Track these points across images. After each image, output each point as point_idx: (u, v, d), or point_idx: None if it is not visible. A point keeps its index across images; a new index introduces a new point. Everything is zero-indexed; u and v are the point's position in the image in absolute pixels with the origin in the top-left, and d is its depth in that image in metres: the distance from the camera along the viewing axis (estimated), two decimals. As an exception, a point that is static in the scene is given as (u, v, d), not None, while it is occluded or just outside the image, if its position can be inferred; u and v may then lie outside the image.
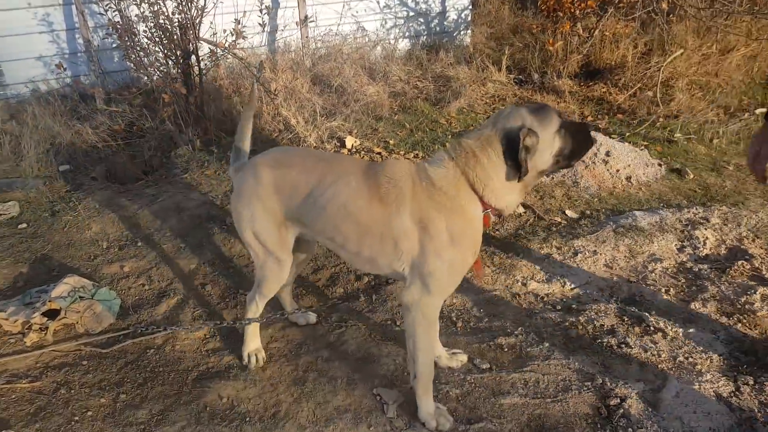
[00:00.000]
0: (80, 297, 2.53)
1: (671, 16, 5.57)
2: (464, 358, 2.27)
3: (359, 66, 5.28)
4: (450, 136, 4.39)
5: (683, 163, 3.89)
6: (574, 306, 2.57)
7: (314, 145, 4.10)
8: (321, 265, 2.95)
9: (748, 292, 2.59)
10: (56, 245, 3.15)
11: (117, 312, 2.61)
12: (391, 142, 4.29)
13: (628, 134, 4.31)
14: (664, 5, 5.03)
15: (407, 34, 6.13)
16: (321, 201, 1.92)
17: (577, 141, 1.82)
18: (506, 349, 2.31)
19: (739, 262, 2.81)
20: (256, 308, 2.24)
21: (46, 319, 2.44)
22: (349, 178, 1.91)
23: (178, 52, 4.31)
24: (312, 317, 2.53)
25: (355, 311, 2.60)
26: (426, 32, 6.19)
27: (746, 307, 2.50)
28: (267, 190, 2.01)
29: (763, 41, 5.25)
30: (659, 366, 2.20)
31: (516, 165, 1.73)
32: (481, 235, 1.88)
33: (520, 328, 2.43)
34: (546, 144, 1.77)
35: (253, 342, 2.30)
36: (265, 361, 2.30)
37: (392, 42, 5.98)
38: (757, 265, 2.79)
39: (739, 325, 2.41)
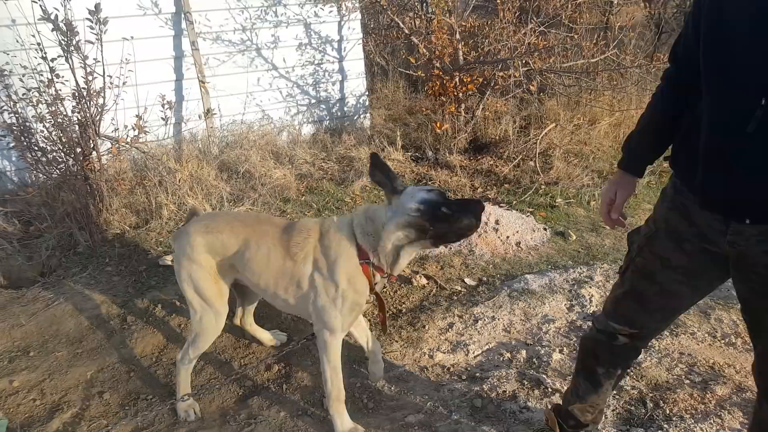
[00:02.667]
0: (-37, 423, 2.34)
1: (542, 94, 6.29)
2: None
3: (266, 151, 5.43)
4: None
5: (566, 226, 4.30)
6: (477, 374, 2.72)
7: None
8: (230, 357, 2.93)
9: (630, 343, 2.86)
10: (-63, 364, 2.89)
11: (4, 436, 2.40)
12: (300, 224, 4.41)
13: (515, 202, 4.70)
14: (533, 87, 5.69)
15: (311, 119, 6.42)
16: (248, 255, 2.34)
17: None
18: (416, 427, 2.39)
19: (621, 316, 3.11)
20: (188, 361, 2.46)
21: None
22: (269, 235, 2.34)
23: (78, 149, 4.28)
24: (282, 336, 3.02)
25: (265, 404, 2.58)
26: (328, 117, 6.52)
27: (630, 358, 2.76)
28: (201, 253, 2.38)
29: (624, 111, 6.03)
30: (558, 426, 2.37)
31: None
32: (364, 282, 2.22)
33: (429, 404, 2.52)
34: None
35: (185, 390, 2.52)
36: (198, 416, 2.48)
37: (297, 127, 6.23)
38: (635, 317, 3.11)
39: (628, 378, 2.65)
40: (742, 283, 1.56)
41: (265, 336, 2.98)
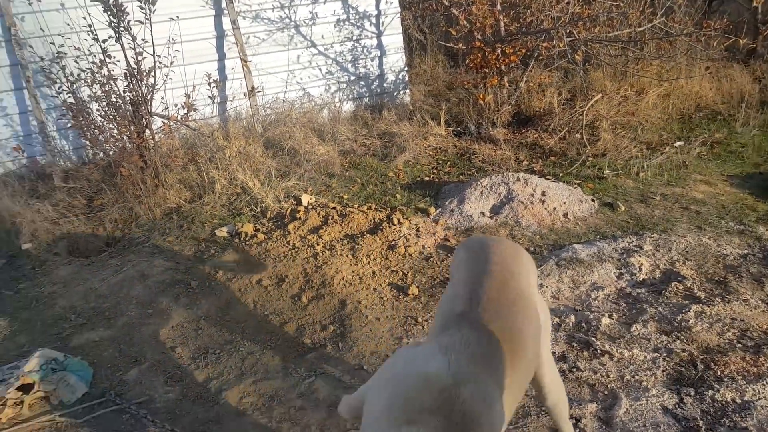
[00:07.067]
0: (53, 369, 2.57)
1: (587, 64, 6.17)
2: None
3: (308, 128, 5.54)
4: (399, 188, 4.65)
5: (614, 197, 4.25)
6: (527, 336, 2.76)
7: (271, 204, 4.27)
8: (287, 318, 3.07)
9: (683, 311, 2.84)
10: (24, 322, 3.16)
11: (90, 381, 2.65)
12: (345, 196, 4.51)
13: (561, 174, 4.67)
14: (578, 57, 5.58)
15: (351, 96, 6.49)
16: None
17: None
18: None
19: (673, 284, 3.07)
20: None
21: (20, 393, 2.47)
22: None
23: (132, 127, 4.47)
24: None
25: (323, 359, 2.71)
26: (368, 94, 6.56)
27: (682, 324, 2.74)
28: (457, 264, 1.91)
29: (672, 81, 5.85)
30: (609, 386, 2.39)
31: None
32: None
33: (479, 362, 2.60)
34: None
35: None
36: None
37: (337, 104, 6.31)
38: (689, 285, 3.06)
39: (678, 342, 2.65)
40: None
41: None
